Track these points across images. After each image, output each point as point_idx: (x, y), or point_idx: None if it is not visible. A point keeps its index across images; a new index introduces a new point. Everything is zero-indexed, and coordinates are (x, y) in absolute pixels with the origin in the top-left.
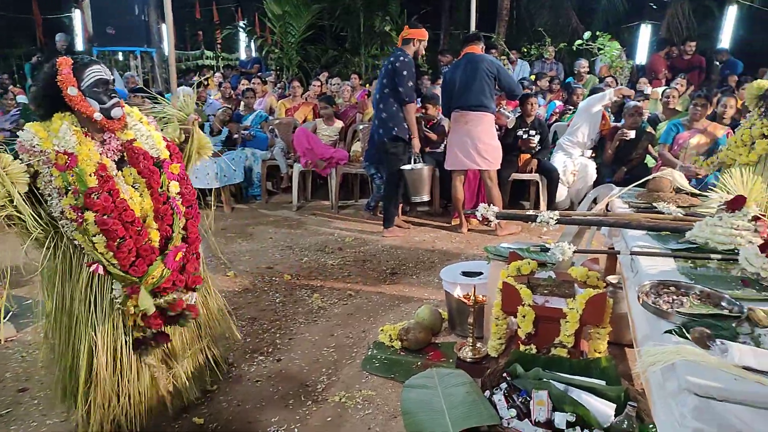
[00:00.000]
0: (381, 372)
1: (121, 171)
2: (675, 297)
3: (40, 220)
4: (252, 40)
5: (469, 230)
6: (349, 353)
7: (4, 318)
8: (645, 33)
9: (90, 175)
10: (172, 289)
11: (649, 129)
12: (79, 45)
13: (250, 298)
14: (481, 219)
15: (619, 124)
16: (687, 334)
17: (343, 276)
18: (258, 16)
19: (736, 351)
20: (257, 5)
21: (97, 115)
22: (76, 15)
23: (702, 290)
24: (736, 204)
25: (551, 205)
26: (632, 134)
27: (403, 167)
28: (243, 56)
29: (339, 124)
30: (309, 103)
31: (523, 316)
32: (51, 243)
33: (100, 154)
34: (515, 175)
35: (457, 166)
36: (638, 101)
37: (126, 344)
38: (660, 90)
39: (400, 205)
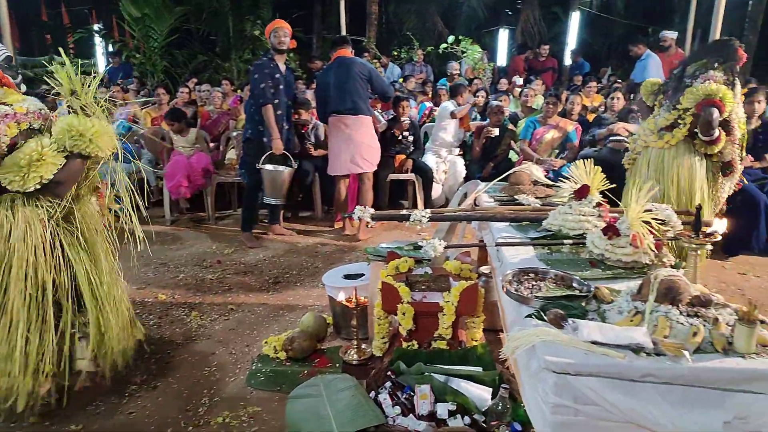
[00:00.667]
0: (266, 386)
1: None
2: (534, 283)
3: None
4: (109, 45)
5: (345, 234)
6: (232, 370)
7: None
8: (503, 37)
9: None
10: None
11: (511, 126)
12: None
13: None
14: (358, 221)
15: (484, 123)
16: (544, 317)
17: (223, 290)
18: (115, 19)
19: (585, 328)
20: (113, 7)
21: None
22: None
23: (556, 274)
24: (582, 193)
25: (428, 202)
26: (496, 131)
27: (261, 167)
28: (102, 62)
29: (194, 132)
30: None
31: (403, 314)
32: None
33: None
34: (392, 176)
35: (343, 171)
36: (500, 100)
37: None
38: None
39: (281, 211)
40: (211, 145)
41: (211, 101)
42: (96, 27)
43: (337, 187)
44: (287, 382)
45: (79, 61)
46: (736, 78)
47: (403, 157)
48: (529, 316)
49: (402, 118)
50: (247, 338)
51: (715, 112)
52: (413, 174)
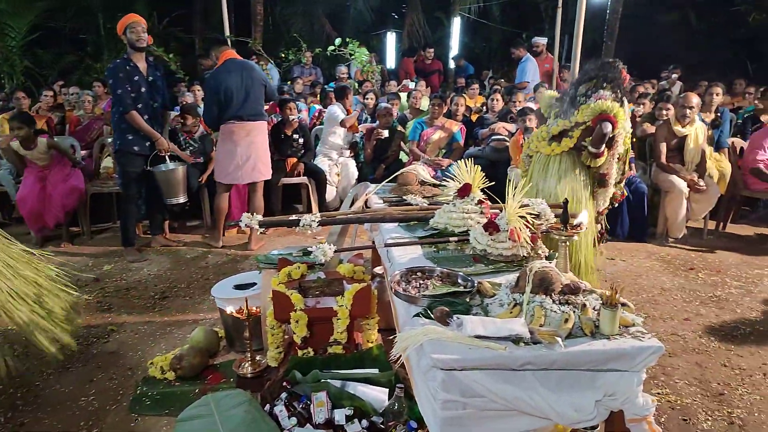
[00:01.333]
0: (153, 410)
1: None
2: (422, 281)
3: None
4: None
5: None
6: (113, 397)
7: None
8: (391, 40)
9: None
10: None
11: (400, 128)
12: None
13: None
14: (245, 228)
15: (374, 125)
16: (431, 315)
17: (102, 310)
18: None
19: (469, 323)
20: None
21: None
22: None
23: (442, 271)
24: (465, 191)
25: (322, 205)
26: (386, 133)
27: (152, 169)
28: None
29: (44, 141)
30: (40, 116)
31: (297, 321)
32: None
33: None
34: (285, 180)
35: (245, 179)
36: (392, 103)
37: None
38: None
39: (166, 222)
40: (83, 153)
41: (80, 105)
42: None
43: (221, 197)
44: (177, 403)
45: None
46: (624, 96)
47: (295, 160)
48: (417, 315)
49: (291, 117)
50: (130, 360)
51: (609, 127)
52: (306, 177)
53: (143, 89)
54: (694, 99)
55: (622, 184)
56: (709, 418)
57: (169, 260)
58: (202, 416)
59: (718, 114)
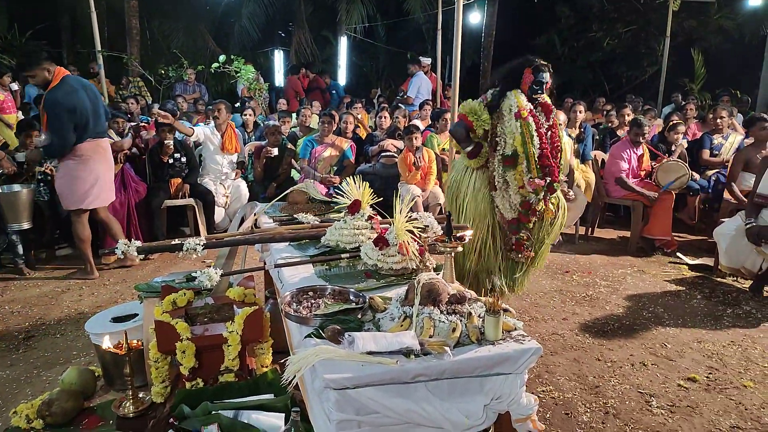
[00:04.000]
0: None
1: None
2: (314, 301)
3: None
4: None
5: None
6: None
7: None
8: (278, 58)
9: None
10: None
11: (290, 145)
12: None
13: None
14: (122, 256)
15: (262, 143)
16: (323, 335)
17: None
18: None
19: (360, 340)
20: None
21: None
22: None
23: (334, 289)
24: (355, 207)
25: (211, 228)
26: (275, 151)
27: None
28: None
29: None
30: None
31: (183, 352)
32: None
33: None
34: (169, 202)
35: (111, 198)
36: (283, 121)
37: None
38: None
39: (31, 252)
40: None
41: None
42: None
43: (81, 223)
44: None
45: None
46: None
47: (179, 181)
48: (309, 335)
49: (166, 141)
50: None
51: (460, 127)
52: (192, 198)
53: None
54: (561, 116)
55: (541, 196)
56: (588, 410)
57: (36, 294)
58: None
59: (582, 129)
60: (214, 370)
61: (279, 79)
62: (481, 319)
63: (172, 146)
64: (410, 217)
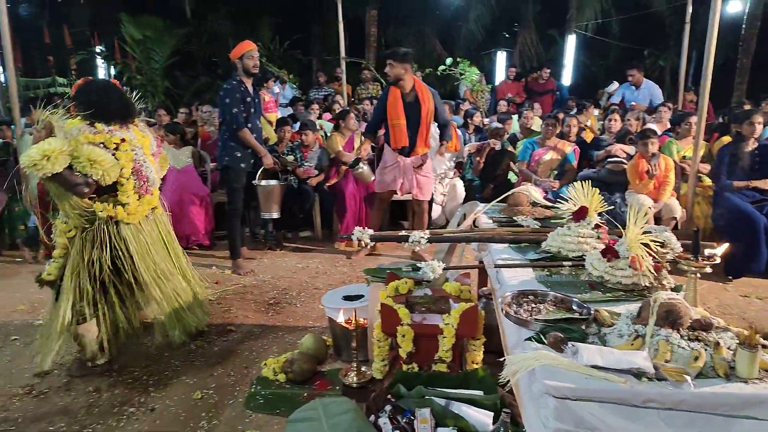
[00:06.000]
0: (266, 409)
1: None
2: (534, 305)
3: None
4: (111, 66)
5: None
6: (231, 392)
7: None
8: (501, 59)
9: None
10: None
11: (510, 148)
12: None
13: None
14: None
15: (483, 143)
16: (544, 340)
17: (222, 311)
18: (117, 41)
19: (585, 352)
20: (115, 30)
21: None
22: None
23: (556, 296)
24: (581, 214)
25: (428, 223)
26: (500, 145)
27: (257, 183)
28: None
29: (189, 147)
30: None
31: (403, 336)
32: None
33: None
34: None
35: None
36: (505, 123)
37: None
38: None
39: (281, 232)
40: (212, 165)
41: (211, 122)
42: (98, 49)
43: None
44: (287, 405)
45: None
46: None
47: None
48: (529, 339)
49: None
50: (246, 359)
51: None
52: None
53: (252, 110)
54: None
55: None
56: None
57: (281, 268)
58: (311, 420)
59: None
60: (428, 358)
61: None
62: (731, 352)
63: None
64: (643, 229)
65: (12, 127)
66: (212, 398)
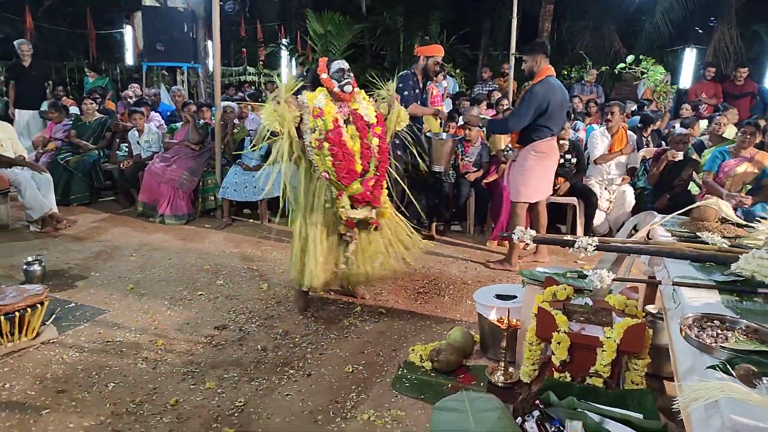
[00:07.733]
0: (411, 392)
1: (347, 126)
2: (719, 331)
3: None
4: (293, 58)
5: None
6: (379, 371)
7: (47, 320)
8: (690, 57)
9: (330, 123)
10: (362, 202)
11: (695, 156)
12: (129, 59)
13: (282, 311)
14: (517, 242)
15: (663, 149)
16: (731, 371)
17: (375, 292)
18: (300, 34)
19: None
20: (300, 24)
21: (336, 89)
22: (128, 31)
23: (748, 325)
24: None
25: (588, 229)
26: (680, 155)
27: (430, 135)
28: (285, 74)
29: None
30: None
31: (558, 343)
32: (301, 163)
33: (337, 112)
34: (552, 199)
35: (545, 195)
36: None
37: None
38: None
39: (434, 223)
40: None
41: None
42: (284, 42)
43: (519, 215)
44: (431, 392)
45: (266, 72)
46: None
47: (563, 180)
48: (713, 367)
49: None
50: (395, 343)
51: None
52: (574, 198)
53: (418, 102)
54: None
55: None
56: None
57: (432, 258)
58: (457, 410)
59: None
60: (583, 370)
61: (685, 81)
62: None
63: (566, 145)
64: None
65: (213, 109)
66: (362, 374)
